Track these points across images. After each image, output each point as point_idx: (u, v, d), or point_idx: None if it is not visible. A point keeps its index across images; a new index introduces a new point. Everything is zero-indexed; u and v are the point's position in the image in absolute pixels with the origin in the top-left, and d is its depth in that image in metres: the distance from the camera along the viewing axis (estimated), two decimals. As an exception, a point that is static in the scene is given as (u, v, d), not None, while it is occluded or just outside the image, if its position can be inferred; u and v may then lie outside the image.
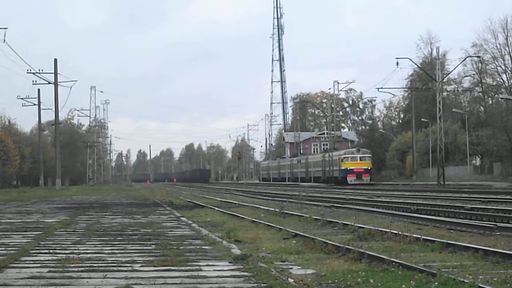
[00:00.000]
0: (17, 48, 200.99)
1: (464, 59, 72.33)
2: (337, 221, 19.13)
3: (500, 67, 77.66)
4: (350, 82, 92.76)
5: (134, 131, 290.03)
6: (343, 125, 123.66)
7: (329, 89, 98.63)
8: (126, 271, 10.35)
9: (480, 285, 8.72)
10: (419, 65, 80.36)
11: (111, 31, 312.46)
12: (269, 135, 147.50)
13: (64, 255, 12.31)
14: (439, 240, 13.57)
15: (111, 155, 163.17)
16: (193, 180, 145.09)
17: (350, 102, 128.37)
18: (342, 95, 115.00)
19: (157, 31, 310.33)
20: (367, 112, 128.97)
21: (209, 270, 10.35)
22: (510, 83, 77.34)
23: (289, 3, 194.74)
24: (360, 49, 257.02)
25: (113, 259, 11.76)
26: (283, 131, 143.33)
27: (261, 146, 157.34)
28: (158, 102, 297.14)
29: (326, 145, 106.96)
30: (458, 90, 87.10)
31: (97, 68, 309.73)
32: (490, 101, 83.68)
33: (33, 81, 68.92)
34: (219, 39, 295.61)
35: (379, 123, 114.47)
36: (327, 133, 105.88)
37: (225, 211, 26.89)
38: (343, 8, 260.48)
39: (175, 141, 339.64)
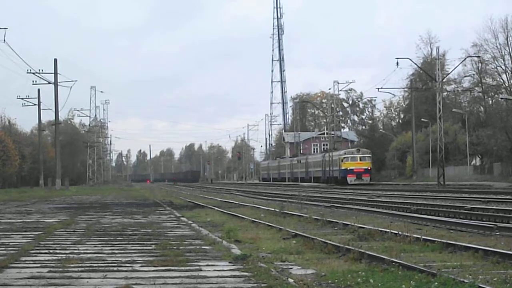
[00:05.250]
0: (27, 49, 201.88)
1: (464, 59, 72.33)
2: (337, 221, 19.12)
3: (500, 67, 77.66)
4: (350, 82, 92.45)
5: (141, 131, 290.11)
6: (343, 125, 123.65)
7: (329, 89, 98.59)
8: (126, 271, 10.35)
9: (480, 285, 8.72)
10: (419, 65, 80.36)
11: (131, 34, 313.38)
12: (269, 135, 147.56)
13: (64, 255, 12.30)
14: (439, 240, 13.57)
15: (111, 155, 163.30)
16: (185, 180, 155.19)
17: (350, 102, 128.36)
18: (342, 95, 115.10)
19: (177, 32, 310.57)
20: (367, 112, 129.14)
21: (209, 270, 10.36)
22: (510, 83, 77.26)
23: (309, 4, 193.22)
24: (380, 47, 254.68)
25: (113, 259, 11.76)
26: (283, 131, 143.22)
27: (261, 146, 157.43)
28: (168, 103, 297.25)
29: (326, 145, 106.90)
30: (458, 90, 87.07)
31: (113, 69, 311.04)
32: (490, 101, 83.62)
33: (33, 81, 68.99)
34: (238, 39, 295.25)
35: (379, 123, 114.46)
36: (327, 133, 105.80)
37: (225, 211, 26.89)
38: (371, 4, 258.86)
39: (177, 141, 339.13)
